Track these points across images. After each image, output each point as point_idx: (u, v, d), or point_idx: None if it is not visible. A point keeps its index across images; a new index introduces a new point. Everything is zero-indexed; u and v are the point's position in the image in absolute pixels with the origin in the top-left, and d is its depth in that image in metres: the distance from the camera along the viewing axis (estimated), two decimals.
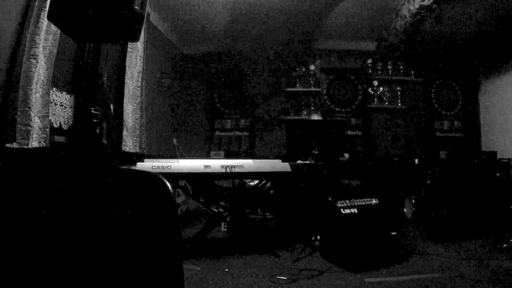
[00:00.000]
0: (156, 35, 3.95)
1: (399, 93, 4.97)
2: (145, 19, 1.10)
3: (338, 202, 2.37)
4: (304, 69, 5.00)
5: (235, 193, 3.16)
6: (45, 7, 2.07)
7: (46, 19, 1.71)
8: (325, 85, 4.94)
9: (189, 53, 4.89)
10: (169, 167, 2.30)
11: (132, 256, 0.82)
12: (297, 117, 4.95)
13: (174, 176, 2.42)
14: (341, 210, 2.31)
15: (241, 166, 2.47)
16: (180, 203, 3.45)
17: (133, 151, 3.11)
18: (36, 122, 2.06)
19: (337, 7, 4.01)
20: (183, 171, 2.36)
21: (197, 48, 4.98)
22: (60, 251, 0.79)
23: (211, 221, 2.90)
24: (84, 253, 0.79)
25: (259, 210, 3.56)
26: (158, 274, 0.83)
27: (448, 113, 4.98)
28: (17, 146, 1.97)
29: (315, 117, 4.52)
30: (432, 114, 4.92)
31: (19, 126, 1.99)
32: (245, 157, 4.42)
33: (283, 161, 2.69)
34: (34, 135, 2.05)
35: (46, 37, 2.15)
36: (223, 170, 2.41)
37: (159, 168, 2.28)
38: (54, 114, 2.38)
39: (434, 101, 4.96)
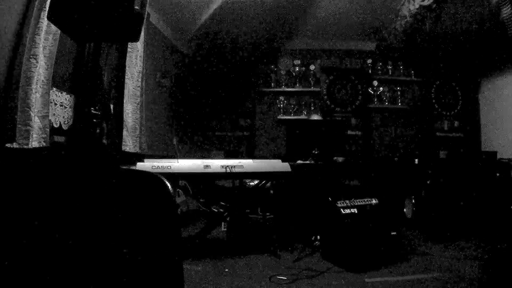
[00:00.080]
0: (156, 35, 3.95)
1: (399, 93, 4.97)
2: (145, 19, 1.10)
3: (338, 202, 2.36)
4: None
5: (235, 193, 3.16)
6: (45, 7, 2.07)
7: (46, 19, 1.71)
8: (325, 85, 4.94)
9: (189, 52, 4.88)
10: (169, 167, 2.30)
11: (132, 256, 0.82)
12: (297, 117, 4.95)
13: (174, 176, 2.42)
14: (341, 210, 2.31)
15: (241, 166, 2.47)
16: (180, 203, 3.45)
17: (133, 151, 3.11)
18: (36, 122, 2.06)
19: (337, 7, 4.01)
20: (183, 171, 2.36)
21: (197, 47, 4.98)
22: (60, 251, 0.79)
23: (211, 221, 2.90)
24: (84, 253, 0.79)
25: (259, 210, 3.56)
26: (158, 274, 0.83)
27: (448, 113, 4.98)
28: (17, 146, 1.97)
29: (315, 117, 4.52)
30: (432, 114, 4.92)
31: (19, 126, 1.99)
32: (245, 157, 4.43)
33: (283, 161, 2.69)
34: (34, 135, 2.05)
35: (46, 37, 2.14)
36: (223, 170, 2.41)
37: (159, 168, 2.28)
38: (54, 114, 2.38)
39: (434, 101, 4.96)
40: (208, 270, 2.15)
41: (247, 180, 3.22)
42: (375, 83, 4.97)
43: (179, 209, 3.35)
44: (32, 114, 2.02)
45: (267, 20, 4.24)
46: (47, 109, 2.16)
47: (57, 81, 2.35)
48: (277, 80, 5.11)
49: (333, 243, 2.39)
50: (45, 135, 2.12)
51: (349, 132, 4.85)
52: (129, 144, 3.09)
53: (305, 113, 4.98)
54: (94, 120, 0.98)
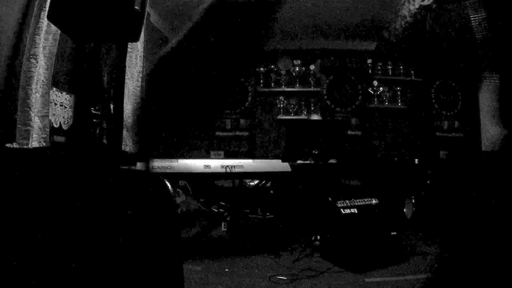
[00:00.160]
0: (156, 35, 3.95)
1: (399, 93, 4.97)
2: (145, 19, 1.10)
3: (338, 202, 2.37)
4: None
5: (235, 193, 3.16)
6: (45, 6, 2.07)
7: (46, 19, 1.71)
8: (325, 85, 4.94)
9: None
10: (169, 167, 2.30)
11: (131, 256, 0.82)
12: (297, 117, 4.95)
13: (174, 176, 2.42)
14: (341, 210, 2.31)
15: (241, 166, 2.48)
16: (180, 203, 3.45)
17: (133, 151, 3.11)
18: (36, 122, 2.06)
19: (337, 7, 4.01)
20: (183, 171, 2.36)
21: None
22: (59, 251, 0.79)
23: (211, 221, 2.90)
24: (83, 253, 0.79)
25: (259, 210, 3.56)
26: (158, 274, 0.83)
27: (448, 113, 4.98)
28: (17, 146, 1.97)
29: (315, 117, 4.52)
30: (432, 114, 4.92)
31: (19, 126, 1.99)
32: (245, 157, 4.42)
33: (283, 161, 2.69)
34: (34, 135, 2.05)
35: (46, 37, 2.14)
36: (223, 170, 2.41)
37: (159, 168, 2.28)
38: (54, 114, 2.38)
39: (434, 101, 4.96)
40: (208, 270, 2.15)
41: (247, 180, 3.22)
42: (375, 83, 4.97)
43: (179, 209, 3.35)
44: (32, 114, 2.02)
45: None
46: (47, 109, 2.16)
47: (57, 81, 2.35)
48: (277, 80, 5.11)
49: (333, 243, 2.39)
50: (45, 135, 2.12)
51: (349, 132, 4.84)
52: (129, 144, 3.08)
53: (305, 113, 4.97)
54: (94, 120, 0.98)
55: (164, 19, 4.09)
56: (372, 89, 4.97)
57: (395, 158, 4.25)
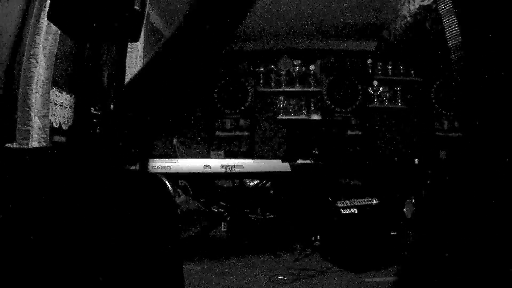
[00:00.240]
0: (156, 35, 3.95)
1: (399, 93, 4.97)
2: (145, 19, 1.10)
3: (338, 202, 2.37)
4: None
5: (235, 193, 3.16)
6: (45, 7, 2.07)
7: (46, 19, 1.71)
8: (325, 85, 4.94)
9: None
10: (169, 167, 2.30)
11: (131, 256, 0.82)
12: (297, 117, 4.95)
13: (174, 176, 2.42)
14: (341, 210, 2.31)
15: (241, 166, 2.48)
16: (180, 203, 3.45)
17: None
18: (36, 122, 2.06)
19: (337, 7, 4.01)
20: (183, 171, 2.36)
21: None
22: (59, 251, 0.79)
23: (211, 221, 2.90)
24: (83, 253, 0.79)
25: (259, 210, 3.56)
26: (158, 274, 0.83)
27: (448, 113, 4.97)
28: (17, 146, 1.97)
29: (315, 117, 4.52)
30: (432, 114, 4.92)
31: (19, 126, 1.99)
32: (245, 157, 4.42)
33: (283, 161, 2.69)
34: (34, 135, 2.05)
35: (46, 37, 2.14)
36: (223, 170, 2.41)
37: (159, 168, 2.28)
38: (54, 114, 2.38)
39: (434, 101, 4.96)
40: (208, 270, 2.15)
41: (247, 180, 3.22)
42: (375, 83, 4.97)
43: (179, 209, 3.35)
44: (32, 114, 2.02)
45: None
46: (47, 109, 2.16)
47: (57, 81, 2.35)
48: (277, 80, 5.11)
49: (333, 243, 2.39)
50: (45, 135, 2.12)
51: (349, 132, 4.85)
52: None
53: (305, 113, 4.98)
54: (94, 120, 0.98)
55: (164, 19, 4.09)
56: (372, 89, 4.97)
57: (395, 158, 4.25)
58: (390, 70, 5.03)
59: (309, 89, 5.02)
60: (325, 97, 4.93)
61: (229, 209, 2.99)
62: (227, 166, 2.42)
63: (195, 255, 2.37)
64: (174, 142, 4.03)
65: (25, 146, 1.98)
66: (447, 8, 0.97)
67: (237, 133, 5.10)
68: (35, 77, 2.05)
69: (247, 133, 5.08)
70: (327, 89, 4.95)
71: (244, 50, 5.08)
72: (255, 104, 5.08)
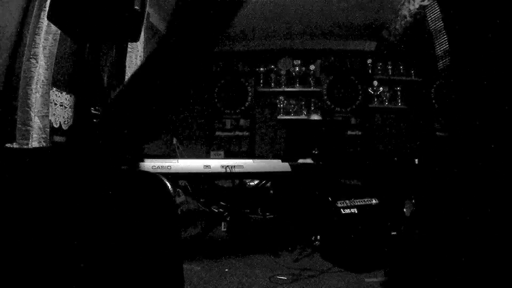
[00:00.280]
0: (156, 35, 3.95)
1: (399, 93, 4.97)
2: (145, 19, 1.10)
3: (338, 202, 2.37)
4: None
5: (235, 193, 3.16)
6: (45, 7, 2.07)
7: (46, 19, 1.71)
8: (325, 85, 4.94)
9: None
10: (169, 167, 2.30)
11: (131, 257, 0.82)
12: (297, 117, 4.95)
13: (174, 176, 2.42)
14: (341, 210, 2.31)
15: (241, 166, 2.47)
16: (180, 203, 3.45)
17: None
18: (36, 122, 2.06)
19: (337, 7, 4.01)
20: (183, 171, 2.36)
21: None
22: (59, 251, 0.79)
23: (211, 221, 2.90)
24: (83, 253, 0.79)
25: (259, 210, 3.56)
26: (158, 274, 0.83)
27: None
28: (17, 146, 1.97)
29: (315, 117, 4.52)
30: (432, 114, 4.92)
31: (19, 126, 1.99)
32: (245, 157, 4.42)
33: (283, 161, 2.69)
34: (34, 135, 2.05)
35: (46, 37, 2.14)
36: (223, 170, 2.41)
37: (159, 168, 2.28)
38: (54, 114, 2.38)
39: (434, 101, 4.95)
40: (208, 270, 2.15)
41: (247, 180, 3.22)
42: (375, 83, 4.97)
43: (179, 209, 3.35)
44: (32, 114, 2.02)
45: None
46: (47, 109, 2.16)
47: (57, 81, 2.35)
48: (277, 80, 5.11)
49: (333, 243, 2.39)
50: (45, 135, 2.12)
51: (349, 132, 4.85)
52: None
53: (305, 113, 4.98)
54: (94, 120, 0.98)
55: (164, 19, 4.09)
56: (372, 89, 4.97)
57: (395, 158, 4.24)
58: (390, 70, 5.03)
59: (309, 89, 5.02)
60: (325, 97, 4.93)
61: (229, 209, 2.99)
62: (227, 166, 2.42)
63: (195, 255, 2.37)
64: (174, 142, 4.03)
65: (25, 146, 1.98)
66: (436, 15, 1.00)
67: (237, 133, 5.10)
68: (35, 77, 2.05)
69: (247, 133, 5.08)
70: (327, 89, 4.95)
71: (244, 50, 5.09)
72: (255, 104, 5.08)
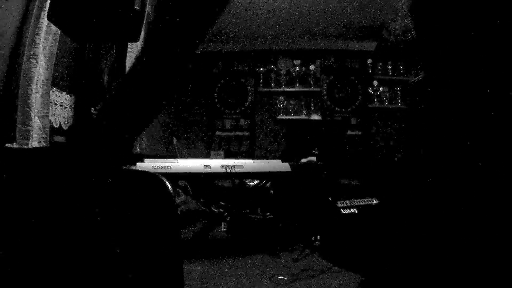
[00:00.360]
0: None
1: (399, 93, 4.97)
2: (145, 19, 1.10)
3: (338, 202, 2.37)
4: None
5: (235, 193, 3.17)
6: (45, 7, 2.07)
7: (46, 19, 1.71)
8: (325, 85, 4.94)
9: None
10: (169, 167, 2.30)
11: (131, 257, 0.82)
12: (297, 117, 4.95)
13: (174, 176, 2.42)
14: (341, 210, 2.31)
15: (241, 166, 2.47)
16: (180, 203, 3.45)
17: (133, 151, 3.11)
18: (36, 122, 2.06)
19: (337, 7, 4.01)
20: (183, 171, 2.36)
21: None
22: (59, 251, 0.79)
23: (211, 221, 2.90)
24: (83, 253, 0.79)
25: (259, 210, 3.56)
26: (158, 275, 0.83)
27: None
28: (17, 146, 1.97)
29: (315, 117, 4.52)
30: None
31: (19, 126, 1.99)
32: (245, 157, 4.42)
33: (283, 161, 2.69)
34: (34, 135, 2.05)
35: (46, 37, 2.14)
36: (223, 170, 2.41)
37: (159, 168, 2.28)
38: (54, 114, 2.38)
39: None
40: (208, 270, 2.15)
41: (247, 180, 3.22)
42: (375, 83, 4.97)
43: (179, 209, 3.35)
44: (32, 114, 2.02)
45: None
46: (47, 109, 2.16)
47: (57, 81, 2.35)
48: (277, 80, 5.11)
49: (333, 243, 2.39)
50: (45, 135, 2.12)
51: (349, 132, 4.85)
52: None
53: (305, 113, 4.98)
54: (92, 120, 0.98)
55: None
56: (372, 89, 4.97)
57: (395, 158, 4.25)
58: (390, 70, 5.03)
59: (309, 89, 5.02)
60: (325, 97, 4.93)
61: (229, 209, 2.99)
62: (227, 166, 2.42)
63: (195, 255, 2.37)
64: (174, 142, 4.03)
65: (25, 146, 1.98)
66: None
67: (237, 133, 5.11)
68: (35, 77, 2.04)
69: (247, 133, 5.08)
70: (327, 89, 4.95)
71: (244, 50, 5.08)
72: (255, 104, 5.08)
